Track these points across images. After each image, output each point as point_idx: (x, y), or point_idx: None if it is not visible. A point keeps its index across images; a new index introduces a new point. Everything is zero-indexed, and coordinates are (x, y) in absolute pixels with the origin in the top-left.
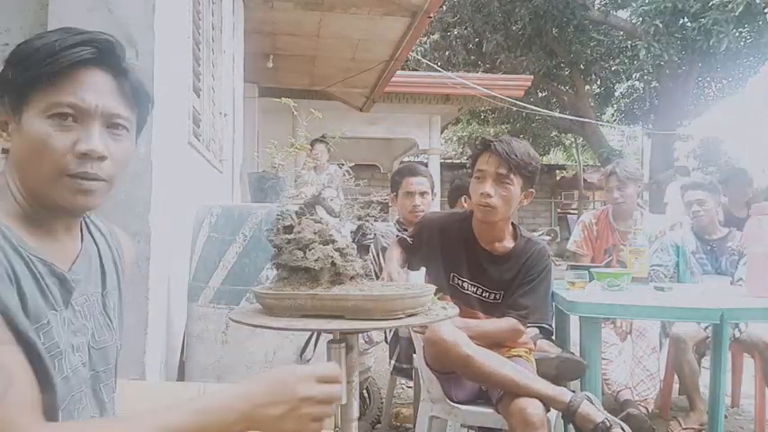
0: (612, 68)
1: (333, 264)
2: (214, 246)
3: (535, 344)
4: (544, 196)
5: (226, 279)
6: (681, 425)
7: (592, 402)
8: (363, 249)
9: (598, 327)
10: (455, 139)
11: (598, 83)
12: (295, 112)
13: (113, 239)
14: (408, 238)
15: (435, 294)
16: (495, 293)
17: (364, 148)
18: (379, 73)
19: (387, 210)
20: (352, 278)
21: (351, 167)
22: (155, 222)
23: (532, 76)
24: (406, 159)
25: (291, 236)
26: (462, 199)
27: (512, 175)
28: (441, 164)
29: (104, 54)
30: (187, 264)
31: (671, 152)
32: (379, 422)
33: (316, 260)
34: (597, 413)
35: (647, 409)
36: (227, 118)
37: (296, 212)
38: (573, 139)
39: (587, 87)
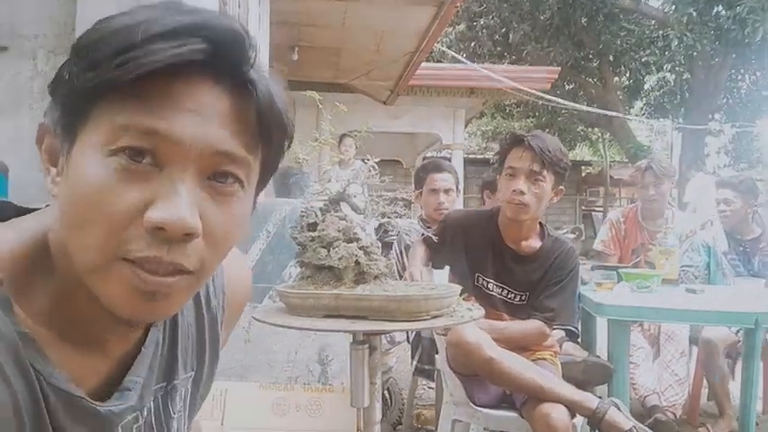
0: (643, 59)
1: (357, 263)
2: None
3: (561, 347)
4: (569, 193)
5: None
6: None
7: (619, 409)
8: (386, 246)
9: (626, 330)
10: (479, 133)
11: (627, 75)
12: (320, 105)
13: (211, 294)
14: (433, 236)
15: (460, 295)
16: (521, 294)
17: (387, 143)
18: (404, 65)
19: (409, 206)
20: (376, 277)
21: (375, 163)
22: None
23: (560, 68)
24: (429, 155)
25: (315, 233)
26: (485, 194)
27: (545, 172)
28: (464, 159)
29: (222, 52)
30: None
31: (701, 148)
32: (401, 423)
33: (339, 259)
34: (625, 420)
35: (674, 414)
36: None
37: (320, 209)
38: (600, 134)
39: (616, 79)
